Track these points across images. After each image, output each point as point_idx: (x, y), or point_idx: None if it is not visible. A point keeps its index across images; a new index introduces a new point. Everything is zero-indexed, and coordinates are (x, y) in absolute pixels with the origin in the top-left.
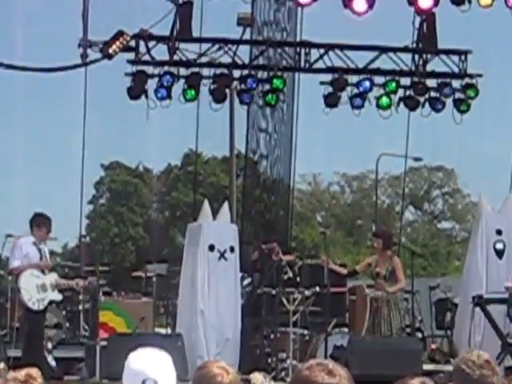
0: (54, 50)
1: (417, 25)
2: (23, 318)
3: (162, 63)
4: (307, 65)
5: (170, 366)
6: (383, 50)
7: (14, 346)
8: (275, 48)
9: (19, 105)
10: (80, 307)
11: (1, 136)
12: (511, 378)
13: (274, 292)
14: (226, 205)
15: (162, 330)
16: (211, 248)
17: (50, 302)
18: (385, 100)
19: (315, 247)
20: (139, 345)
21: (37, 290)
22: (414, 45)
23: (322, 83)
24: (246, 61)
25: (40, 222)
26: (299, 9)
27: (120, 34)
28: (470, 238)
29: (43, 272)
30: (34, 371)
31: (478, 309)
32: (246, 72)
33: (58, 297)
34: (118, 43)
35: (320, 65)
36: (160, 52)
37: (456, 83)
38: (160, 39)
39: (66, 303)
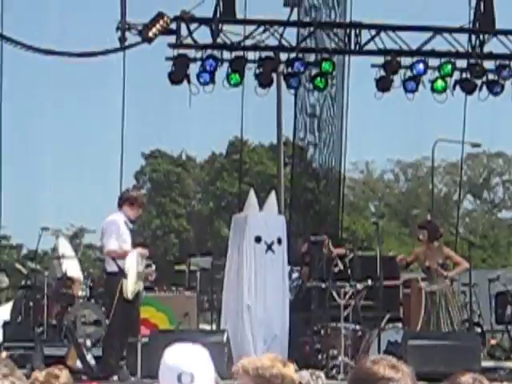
0: (90, 33)
1: (473, 4)
2: (118, 310)
3: (204, 46)
4: (358, 47)
5: (207, 359)
6: (438, 30)
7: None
8: (324, 29)
9: (54, 92)
10: None
11: (35, 125)
12: None
13: (324, 286)
14: (273, 194)
15: (207, 327)
16: (258, 240)
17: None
18: (440, 83)
19: (368, 238)
20: (182, 341)
21: (136, 278)
22: (471, 25)
23: (373, 66)
24: (294, 43)
25: (133, 201)
26: None
27: (160, 16)
28: None
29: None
30: (57, 370)
31: None
32: (293, 55)
33: (142, 287)
34: (158, 26)
35: (371, 47)
36: (202, 35)
37: None
38: (202, 21)
39: (104, 298)
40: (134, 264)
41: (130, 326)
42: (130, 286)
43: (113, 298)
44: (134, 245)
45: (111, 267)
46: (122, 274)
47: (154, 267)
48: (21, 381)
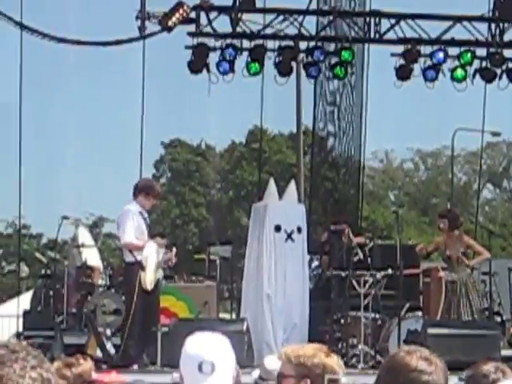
0: (110, 22)
1: None
2: (138, 301)
3: (224, 35)
4: (377, 35)
5: (228, 348)
6: (458, 19)
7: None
8: (343, 18)
9: (73, 81)
10: None
11: (55, 114)
12: None
13: (343, 274)
14: (292, 183)
15: (227, 316)
16: (277, 229)
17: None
18: (460, 72)
19: (388, 227)
20: (202, 330)
21: (155, 268)
22: (491, 13)
23: (393, 55)
24: (313, 32)
25: (149, 190)
26: None
27: (180, 4)
28: None
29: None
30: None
31: None
32: (312, 44)
33: (161, 275)
34: (177, 15)
35: (391, 35)
36: (222, 23)
37: None
38: (222, 10)
39: (124, 288)
40: (152, 255)
41: (149, 315)
42: (149, 277)
43: (131, 289)
44: (152, 235)
45: (129, 258)
46: (139, 265)
47: (174, 251)
48: (49, 373)
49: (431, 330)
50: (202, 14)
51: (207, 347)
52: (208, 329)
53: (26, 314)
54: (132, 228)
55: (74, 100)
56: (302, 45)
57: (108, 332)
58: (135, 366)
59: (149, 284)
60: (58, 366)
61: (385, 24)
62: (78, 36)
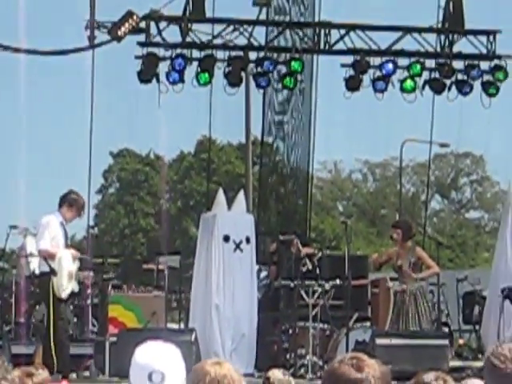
0: (59, 32)
1: (442, 3)
2: (51, 308)
3: (173, 45)
4: (327, 46)
5: (178, 358)
6: (407, 30)
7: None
8: (293, 29)
9: (21, 90)
10: (88, 302)
11: (2, 123)
12: None
13: (292, 285)
14: (241, 193)
15: (175, 325)
16: (226, 239)
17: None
18: (409, 83)
19: (336, 238)
20: (150, 340)
21: (67, 277)
22: (440, 25)
23: (342, 65)
24: (263, 42)
25: (73, 202)
26: None
27: (129, 14)
28: (499, 227)
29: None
30: (33, 368)
31: (507, 302)
32: (262, 54)
33: (76, 288)
34: (127, 24)
35: (340, 46)
36: (172, 33)
37: (484, 65)
38: (172, 20)
39: (73, 298)
40: (65, 261)
41: (66, 325)
42: (61, 282)
43: (48, 297)
44: (67, 246)
45: (43, 267)
46: (52, 273)
47: (91, 274)
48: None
49: (379, 341)
50: (152, 24)
51: (157, 357)
52: (156, 339)
53: None
54: (48, 236)
55: (23, 110)
56: (252, 55)
57: None
58: (74, 375)
59: (62, 291)
60: (19, 376)
61: (334, 35)
62: (27, 45)
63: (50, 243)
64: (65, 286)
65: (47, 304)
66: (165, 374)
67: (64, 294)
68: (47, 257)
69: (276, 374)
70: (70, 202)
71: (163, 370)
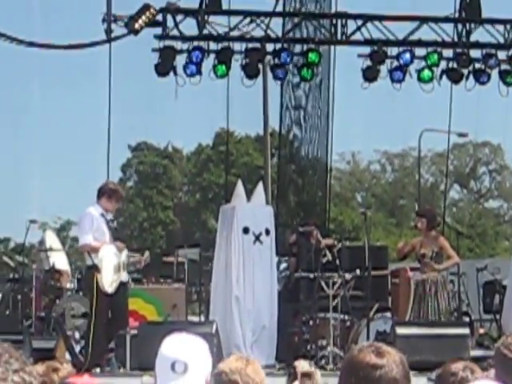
0: (76, 25)
1: None
2: (93, 302)
3: (190, 38)
4: (344, 37)
5: (204, 350)
6: (424, 20)
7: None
8: (310, 20)
9: (37, 85)
10: None
11: (22, 118)
12: None
13: (312, 276)
14: (260, 185)
15: (195, 318)
16: (246, 231)
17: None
18: (426, 73)
19: (355, 229)
20: (171, 333)
21: (114, 270)
22: (457, 14)
23: (359, 56)
24: (280, 34)
25: (111, 193)
26: None
27: (146, 7)
28: None
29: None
30: (57, 362)
31: None
32: (279, 46)
33: (126, 277)
34: (144, 17)
35: (357, 37)
36: (189, 26)
37: (502, 54)
38: (188, 12)
39: (86, 291)
40: (108, 256)
41: (114, 318)
42: (106, 278)
43: (91, 292)
44: (112, 237)
45: (88, 261)
46: (96, 268)
47: (147, 255)
48: (31, 376)
49: (400, 331)
50: (169, 17)
51: (182, 347)
52: (177, 331)
53: None
54: (89, 230)
55: (41, 104)
56: (269, 47)
57: (77, 335)
58: (97, 369)
59: (107, 286)
60: (45, 371)
61: (351, 25)
62: (44, 40)
63: (91, 237)
64: (110, 281)
65: (90, 298)
66: (188, 364)
67: (110, 289)
68: (90, 251)
69: (302, 364)
70: (108, 193)
71: (186, 360)
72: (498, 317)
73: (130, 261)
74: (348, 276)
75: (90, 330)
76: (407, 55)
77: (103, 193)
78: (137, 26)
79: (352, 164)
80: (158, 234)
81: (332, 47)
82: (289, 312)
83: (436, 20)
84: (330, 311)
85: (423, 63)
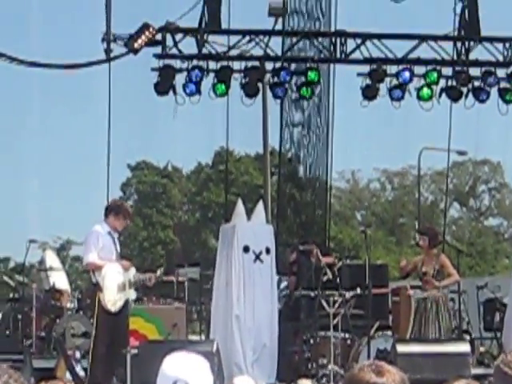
0: (75, 45)
1: (458, 11)
2: (95, 320)
3: (190, 57)
4: (343, 56)
5: (205, 369)
6: (423, 38)
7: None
8: (309, 39)
9: (38, 104)
10: None
11: (21, 137)
12: None
13: (312, 294)
14: (260, 204)
15: (196, 337)
16: (246, 249)
17: (126, 302)
18: (426, 91)
19: (355, 247)
20: (172, 352)
21: (118, 289)
22: (456, 32)
23: (359, 75)
24: (279, 53)
25: (119, 210)
26: None
27: (146, 26)
28: None
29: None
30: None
31: None
32: (278, 64)
33: (133, 295)
34: (143, 37)
35: (357, 55)
36: (188, 45)
37: (501, 72)
38: (188, 32)
39: (90, 310)
40: (111, 275)
41: (116, 337)
42: (108, 297)
43: (93, 310)
44: (118, 256)
45: (93, 279)
46: (98, 287)
47: (159, 272)
48: None
49: (401, 349)
50: (168, 36)
51: (183, 366)
52: (178, 350)
53: None
54: (94, 248)
55: (40, 124)
56: (268, 65)
57: (77, 355)
58: None
59: (110, 305)
60: None
61: (350, 44)
62: (44, 59)
63: (97, 255)
64: (113, 300)
65: (93, 316)
66: (189, 383)
67: (113, 308)
68: (94, 269)
69: (305, 382)
70: (116, 211)
71: (188, 379)
72: (498, 335)
73: (140, 278)
74: (348, 294)
75: (91, 348)
76: (406, 73)
77: (110, 210)
78: (136, 45)
79: (352, 182)
80: (158, 254)
81: (331, 66)
82: (289, 331)
83: (435, 38)
84: (331, 330)
85: (422, 81)
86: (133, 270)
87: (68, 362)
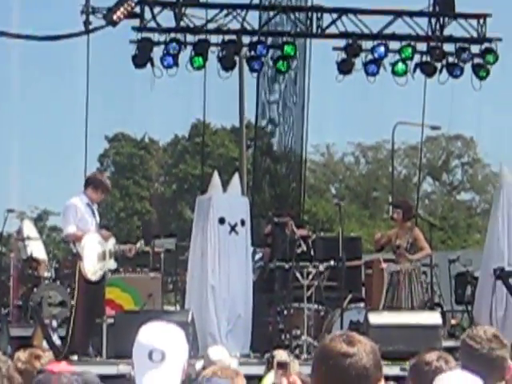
0: (55, 17)
1: None
2: (75, 290)
3: (168, 30)
4: (319, 30)
5: (181, 339)
6: (398, 14)
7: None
8: (286, 13)
9: (16, 75)
10: None
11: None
12: None
13: (287, 266)
14: (236, 176)
15: (171, 308)
16: (221, 221)
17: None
18: (400, 66)
19: (329, 220)
20: (147, 322)
21: (97, 258)
22: (431, 8)
23: (334, 49)
24: (256, 27)
25: (98, 184)
26: None
27: None
28: (490, 209)
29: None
30: (39, 350)
31: (499, 282)
32: (255, 38)
33: (113, 265)
34: (122, 9)
35: (333, 30)
36: (166, 18)
37: (475, 48)
38: (166, 5)
39: (70, 279)
40: (91, 245)
41: (94, 306)
42: (88, 267)
43: (74, 279)
44: (98, 226)
45: (74, 249)
46: (78, 257)
47: (141, 243)
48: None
49: (373, 321)
50: (147, 9)
51: (159, 336)
52: (153, 320)
53: None
54: (73, 220)
55: (18, 95)
56: (245, 39)
57: (54, 324)
58: (75, 357)
59: (90, 274)
60: (28, 358)
61: (326, 19)
62: (23, 31)
63: (75, 226)
64: (93, 269)
65: (72, 286)
66: (165, 353)
67: (94, 277)
68: (75, 240)
69: (281, 353)
70: (94, 184)
71: (164, 348)
72: (469, 308)
73: (120, 248)
74: (322, 266)
75: (70, 317)
76: (381, 49)
77: (90, 183)
78: (115, 17)
79: (326, 156)
80: (135, 224)
81: (308, 40)
82: (263, 302)
83: (410, 14)
84: (305, 301)
85: (397, 57)
86: (112, 240)
87: (45, 330)
